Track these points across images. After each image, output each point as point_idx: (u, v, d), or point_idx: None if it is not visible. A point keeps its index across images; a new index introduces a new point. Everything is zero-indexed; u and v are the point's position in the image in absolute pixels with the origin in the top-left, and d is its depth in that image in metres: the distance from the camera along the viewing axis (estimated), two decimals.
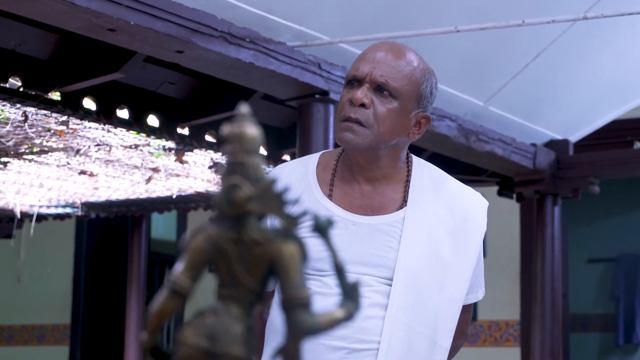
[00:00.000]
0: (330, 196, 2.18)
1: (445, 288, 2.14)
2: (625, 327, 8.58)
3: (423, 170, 2.24)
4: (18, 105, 3.95)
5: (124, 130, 4.33)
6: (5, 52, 3.69)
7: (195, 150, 4.74)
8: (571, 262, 8.17)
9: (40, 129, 4.30)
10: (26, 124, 4.19)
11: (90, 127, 4.29)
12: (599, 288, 8.89)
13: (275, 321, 2.14)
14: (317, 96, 3.94)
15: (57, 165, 5.11)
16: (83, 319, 8.73)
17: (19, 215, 6.30)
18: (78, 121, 4.17)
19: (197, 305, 1.06)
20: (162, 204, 6.35)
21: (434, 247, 2.15)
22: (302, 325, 1.01)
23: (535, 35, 4.48)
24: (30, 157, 4.91)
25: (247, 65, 3.64)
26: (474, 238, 2.21)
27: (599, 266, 8.86)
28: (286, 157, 4.80)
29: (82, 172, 5.28)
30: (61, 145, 4.67)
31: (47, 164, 5.07)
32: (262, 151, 4.65)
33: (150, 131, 4.31)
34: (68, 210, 6.51)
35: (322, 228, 1.06)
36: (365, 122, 2.11)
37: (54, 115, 4.08)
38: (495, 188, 5.84)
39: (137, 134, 4.40)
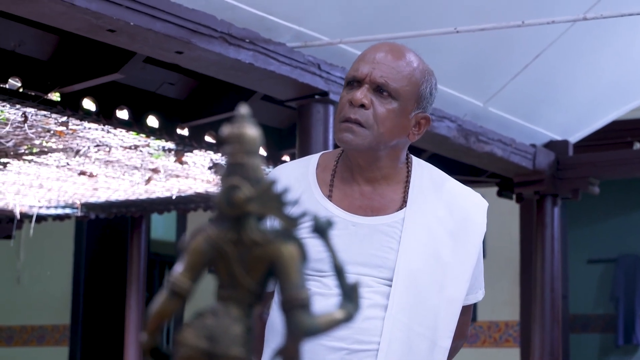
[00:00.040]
0: (330, 197, 2.18)
1: (445, 289, 2.14)
2: (625, 327, 8.58)
3: (423, 171, 2.24)
4: (18, 106, 3.94)
5: (123, 131, 4.33)
6: (4, 52, 3.69)
7: (195, 151, 4.74)
8: (571, 263, 8.17)
9: (39, 129, 4.30)
10: (26, 125, 4.19)
11: (89, 128, 4.29)
12: (598, 289, 8.89)
13: (275, 322, 2.14)
14: (316, 97, 3.94)
15: (57, 166, 5.11)
16: (83, 319, 8.73)
17: (18, 216, 6.30)
18: (78, 122, 4.17)
19: (196, 306, 1.06)
20: (161, 204, 6.35)
21: (433, 247, 2.15)
22: (301, 326, 1.01)
23: (535, 35, 4.48)
24: (29, 157, 4.91)
25: (246, 66, 3.64)
26: (473, 239, 2.21)
27: (598, 267, 8.87)
28: (286, 157, 4.80)
29: (82, 173, 5.28)
30: (61, 146, 4.67)
31: (46, 164, 5.07)
32: (262, 152, 4.66)
33: (150, 132, 4.31)
34: (68, 211, 6.51)
35: (321, 229, 1.06)
36: (365, 123, 2.11)
37: (54, 115, 4.08)
38: (495, 189, 5.84)
39: (137, 134, 4.40)
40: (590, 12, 4.09)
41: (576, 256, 8.48)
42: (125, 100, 4.16)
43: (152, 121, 4.27)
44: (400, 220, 2.15)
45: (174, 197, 6.01)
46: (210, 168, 5.12)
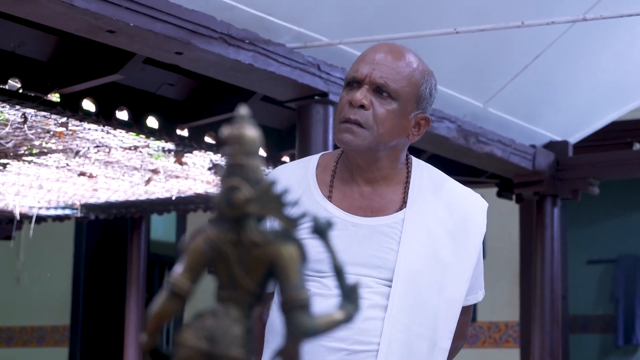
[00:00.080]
0: (329, 197, 2.18)
1: (444, 289, 2.14)
2: (625, 328, 8.58)
3: (422, 172, 2.24)
4: (17, 107, 3.94)
5: (123, 131, 4.33)
6: (4, 53, 3.69)
7: (195, 152, 4.74)
8: (571, 264, 8.17)
9: (39, 130, 4.30)
10: (25, 126, 4.18)
11: (89, 129, 4.29)
12: (598, 289, 8.89)
13: (275, 323, 2.14)
14: (316, 97, 3.94)
15: (57, 167, 5.11)
16: (82, 320, 8.73)
17: (18, 217, 6.29)
18: (77, 123, 4.17)
19: (196, 307, 1.06)
20: (161, 205, 6.35)
21: (433, 248, 2.15)
22: (301, 327, 1.01)
23: (534, 36, 4.48)
24: (29, 158, 4.91)
25: (246, 67, 3.64)
26: (473, 239, 2.21)
27: (598, 267, 8.86)
28: (285, 158, 4.80)
29: (82, 174, 5.28)
30: (60, 147, 4.67)
31: (46, 165, 5.06)
32: (262, 153, 4.66)
33: (150, 132, 4.31)
34: (67, 211, 6.51)
35: (321, 229, 1.06)
36: (364, 124, 2.11)
37: (54, 116, 4.08)
38: (495, 189, 5.84)
39: (137, 135, 4.40)
40: (589, 13, 4.09)
41: (576, 257, 8.48)
42: (125, 101, 4.16)
43: (152, 122, 4.27)
44: (400, 220, 2.15)
45: (173, 198, 6.01)
46: (210, 169, 5.12)
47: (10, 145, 4.56)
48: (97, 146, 4.64)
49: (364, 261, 2.11)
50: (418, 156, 2.43)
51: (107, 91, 4.06)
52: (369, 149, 2.13)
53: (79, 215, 6.52)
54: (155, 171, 5.22)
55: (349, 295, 1.07)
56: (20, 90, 3.80)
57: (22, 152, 4.75)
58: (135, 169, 5.18)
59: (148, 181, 5.44)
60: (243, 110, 1.04)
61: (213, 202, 1.03)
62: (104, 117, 4.09)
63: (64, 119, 4.11)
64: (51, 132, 4.34)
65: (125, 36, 3.28)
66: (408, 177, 2.22)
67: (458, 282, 2.17)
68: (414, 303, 2.11)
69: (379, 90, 2.12)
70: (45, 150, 4.75)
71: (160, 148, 4.68)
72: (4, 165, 5.04)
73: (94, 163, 5.01)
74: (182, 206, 6.29)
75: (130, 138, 4.47)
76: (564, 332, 7.09)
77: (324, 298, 2.05)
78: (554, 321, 5.39)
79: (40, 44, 3.80)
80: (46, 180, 5.43)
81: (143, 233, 7.04)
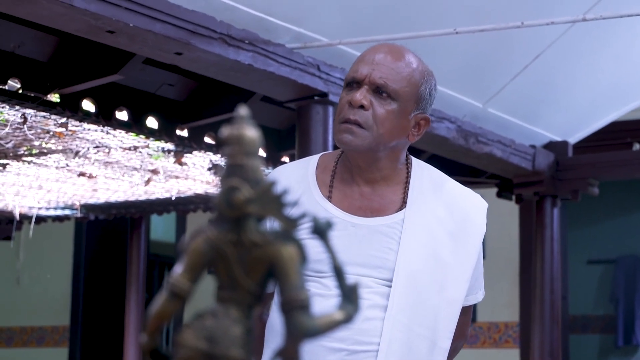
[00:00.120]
0: (329, 198, 2.18)
1: (444, 289, 2.14)
2: (625, 328, 8.57)
3: (422, 172, 2.24)
4: (17, 107, 3.94)
5: (123, 132, 4.33)
6: (4, 54, 3.69)
7: (195, 152, 4.74)
8: (571, 264, 8.17)
9: (39, 130, 4.30)
10: (25, 126, 4.18)
11: (89, 129, 4.29)
12: (598, 289, 8.89)
13: (275, 323, 2.14)
14: (316, 98, 3.94)
15: (56, 167, 5.11)
16: (82, 320, 8.73)
17: (18, 217, 6.29)
18: (77, 123, 4.17)
19: (196, 308, 1.06)
20: (161, 205, 6.35)
21: (433, 248, 2.15)
22: (301, 327, 1.01)
23: (534, 36, 4.48)
24: (29, 159, 4.91)
25: (246, 67, 3.64)
26: (473, 239, 2.21)
27: (598, 268, 8.86)
28: (285, 159, 4.80)
29: (81, 174, 5.28)
30: (60, 147, 4.67)
31: (46, 165, 5.06)
32: (261, 153, 4.66)
33: (150, 133, 4.31)
34: (67, 212, 6.51)
35: (321, 230, 1.06)
36: (364, 124, 2.11)
37: (53, 117, 4.08)
38: (495, 190, 5.84)
39: (136, 135, 4.40)
40: (589, 13, 4.09)
41: (576, 257, 8.48)
42: (124, 102, 4.16)
43: (152, 122, 4.27)
44: (400, 221, 2.15)
45: (173, 198, 6.01)
46: (209, 169, 5.12)
47: (10, 145, 4.56)
48: (97, 146, 4.64)
49: (364, 261, 2.11)
50: (418, 156, 2.43)
51: (107, 91, 4.06)
52: (369, 149, 2.13)
53: (78, 215, 6.52)
54: (155, 171, 5.22)
55: (349, 295, 1.07)
56: (20, 91, 3.80)
57: (22, 152, 4.75)
58: (135, 169, 5.18)
59: (148, 181, 5.44)
60: (243, 110, 1.04)
61: (213, 203, 1.03)
62: (103, 117, 4.09)
63: (63, 120, 4.11)
64: (51, 133, 4.34)
65: (125, 36, 3.28)
66: (408, 177, 2.22)
67: (458, 283, 2.17)
68: (414, 303, 2.11)
69: (378, 90, 2.12)
70: (45, 151, 4.75)
71: (160, 148, 4.68)
72: (4, 166, 5.04)
73: (93, 163, 5.01)
74: (181, 206, 6.29)
75: (130, 138, 4.47)
76: (564, 332, 7.09)
77: (323, 298, 2.05)
78: (554, 321, 5.39)
79: (40, 45, 3.80)
80: (46, 180, 5.43)
81: (143, 233, 7.04)
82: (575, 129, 5.61)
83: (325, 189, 2.19)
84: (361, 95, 2.11)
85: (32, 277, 8.88)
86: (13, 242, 7.13)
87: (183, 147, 4.62)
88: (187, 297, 1.05)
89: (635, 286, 8.60)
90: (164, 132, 4.34)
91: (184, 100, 4.40)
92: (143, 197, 6.08)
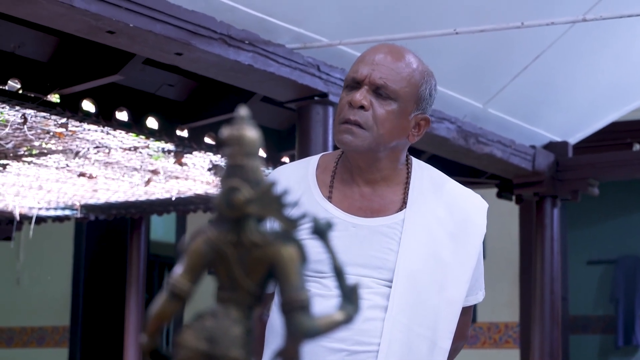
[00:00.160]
0: (329, 198, 2.18)
1: (445, 289, 2.14)
2: (625, 328, 8.57)
3: (423, 172, 2.24)
4: (17, 108, 3.94)
5: (123, 132, 4.33)
6: (4, 54, 3.69)
7: (195, 153, 4.74)
8: (571, 264, 8.17)
9: (39, 131, 4.30)
10: (25, 126, 4.18)
11: (89, 130, 4.29)
12: (598, 290, 8.89)
13: (275, 323, 2.14)
14: (316, 98, 3.94)
15: (56, 168, 5.11)
16: (82, 321, 8.73)
17: (18, 218, 6.29)
18: (77, 123, 4.17)
19: (196, 308, 1.06)
20: (161, 206, 6.35)
21: (433, 248, 2.15)
22: (301, 327, 1.01)
23: (534, 37, 4.48)
24: (29, 159, 4.91)
25: (246, 68, 3.64)
26: (473, 240, 2.21)
27: (598, 268, 8.86)
28: (285, 159, 4.80)
29: (82, 175, 5.28)
30: (60, 148, 4.67)
31: (46, 166, 5.06)
32: (262, 153, 4.66)
33: (150, 133, 4.31)
34: (67, 212, 6.51)
35: (321, 230, 1.06)
36: (364, 124, 2.11)
37: (53, 117, 4.07)
38: (495, 190, 5.84)
39: (137, 136, 4.40)
40: (589, 14, 4.09)
41: (576, 257, 8.48)
42: (124, 102, 4.16)
43: (152, 122, 4.27)
44: (400, 221, 2.15)
45: (173, 199, 6.01)
46: (209, 169, 5.12)
47: (10, 146, 4.56)
48: (97, 147, 4.64)
49: (364, 262, 2.11)
50: (418, 157, 2.43)
51: (107, 92, 4.06)
52: (369, 149, 2.13)
53: (78, 216, 6.52)
54: (155, 172, 5.22)
55: (349, 296, 1.07)
56: (20, 91, 3.80)
57: (22, 152, 4.75)
58: (135, 169, 5.18)
59: (148, 182, 5.44)
60: (243, 111, 1.04)
61: (213, 203, 1.03)
62: (103, 117, 4.09)
63: (63, 120, 4.11)
64: (51, 133, 4.34)
65: (125, 37, 3.28)
66: (408, 177, 2.22)
67: (458, 283, 2.17)
68: (414, 303, 2.11)
69: (378, 91, 2.12)
70: (45, 151, 4.75)
71: (160, 149, 4.68)
72: (4, 166, 5.04)
73: (93, 164, 5.01)
74: (181, 207, 6.29)
75: (130, 139, 4.47)
76: (564, 332, 7.09)
77: (324, 299, 2.05)
78: (554, 322, 5.39)
79: (40, 45, 3.80)
80: (46, 181, 5.43)
81: (143, 234, 7.04)
82: (575, 130, 5.61)
83: (326, 189, 2.19)
84: (361, 96, 2.11)
85: (32, 277, 8.88)
86: (13, 243, 7.13)
87: (183, 148, 4.62)
88: (187, 298, 1.05)
89: (635, 286, 8.60)
90: (164, 133, 4.34)
91: (184, 100, 4.40)
92: (143, 198, 6.08)
